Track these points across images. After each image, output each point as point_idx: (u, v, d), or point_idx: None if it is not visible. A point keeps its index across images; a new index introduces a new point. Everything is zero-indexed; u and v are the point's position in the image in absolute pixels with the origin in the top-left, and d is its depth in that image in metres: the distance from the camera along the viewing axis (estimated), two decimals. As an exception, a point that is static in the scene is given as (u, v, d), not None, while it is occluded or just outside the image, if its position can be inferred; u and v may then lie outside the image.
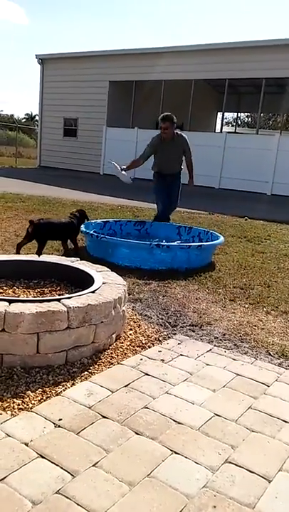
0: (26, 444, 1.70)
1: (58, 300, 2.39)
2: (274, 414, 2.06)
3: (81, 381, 2.20)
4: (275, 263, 5.04)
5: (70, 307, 2.32)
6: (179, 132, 5.72)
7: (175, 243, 4.92)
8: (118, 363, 2.42)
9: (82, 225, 4.80)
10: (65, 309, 2.30)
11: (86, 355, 2.42)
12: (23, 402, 1.97)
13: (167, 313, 3.23)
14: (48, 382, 2.15)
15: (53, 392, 2.08)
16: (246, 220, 8.21)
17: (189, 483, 1.58)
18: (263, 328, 3.10)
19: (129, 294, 3.35)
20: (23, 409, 1.92)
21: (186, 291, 3.78)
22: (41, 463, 1.62)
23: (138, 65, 16.71)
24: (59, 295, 2.72)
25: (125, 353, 2.55)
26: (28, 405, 1.95)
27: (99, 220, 5.65)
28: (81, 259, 3.34)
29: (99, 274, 2.96)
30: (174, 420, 1.95)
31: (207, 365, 2.50)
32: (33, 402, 1.98)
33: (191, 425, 1.92)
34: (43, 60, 19.45)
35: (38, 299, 2.48)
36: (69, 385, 2.15)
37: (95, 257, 4.37)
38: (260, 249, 5.70)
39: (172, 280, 4.00)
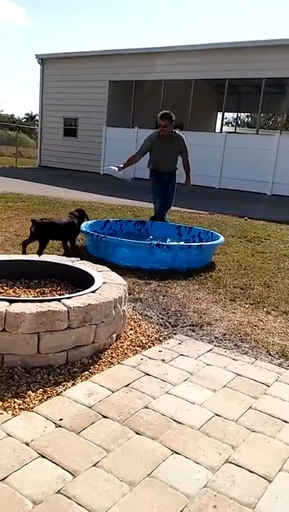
0: (27, 444, 1.71)
1: (59, 300, 2.39)
2: (274, 414, 2.07)
3: (81, 381, 2.20)
4: (275, 263, 5.05)
5: (71, 307, 2.32)
6: (177, 131, 5.74)
7: (173, 243, 4.91)
8: (118, 363, 2.42)
9: (84, 225, 4.79)
10: (66, 309, 2.30)
11: (86, 355, 2.43)
12: (23, 402, 1.98)
13: (167, 313, 3.23)
14: (49, 382, 2.15)
15: (54, 392, 2.08)
16: (246, 220, 8.21)
17: (190, 483, 1.58)
18: (263, 328, 3.10)
19: (129, 294, 3.35)
20: (23, 409, 1.93)
21: (186, 291, 3.78)
22: (42, 463, 1.62)
23: (138, 65, 16.72)
24: (59, 295, 2.72)
25: (125, 353, 2.55)
26: (28, 405, 1.96)
27: (95, 220, 5.61)
28: (81, 259, 3.34)
29: (99, 273, 2.96)
30: (174, 420, 1.95)
31: (207, 365, 2.50)
32: (33, 402, 1.99)
33: (192, 425, 1.92)
34: (43, 60, 19.45)
35: (38, 298, 2.48)
36: (69, 385, 2.15)
37: (95, 257, 4.37)
38: (260, 249, 5.70)
39: (172, 280, 4.00)
